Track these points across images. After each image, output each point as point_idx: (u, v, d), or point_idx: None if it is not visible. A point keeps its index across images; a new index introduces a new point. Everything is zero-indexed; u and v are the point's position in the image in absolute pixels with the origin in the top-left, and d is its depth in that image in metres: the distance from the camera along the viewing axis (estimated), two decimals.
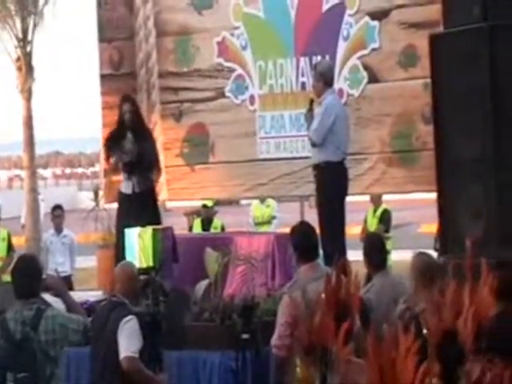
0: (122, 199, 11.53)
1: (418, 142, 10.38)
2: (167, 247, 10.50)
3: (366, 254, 8.19)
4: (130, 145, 11.03)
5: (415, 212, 16.23)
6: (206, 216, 15.82)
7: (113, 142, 11.35)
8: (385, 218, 14.37)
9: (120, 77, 13.27)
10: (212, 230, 15.30)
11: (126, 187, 11.27)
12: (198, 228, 15.84)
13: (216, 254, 10.08)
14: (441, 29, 8.49)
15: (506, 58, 7.59)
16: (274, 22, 11.89)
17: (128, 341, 7.27)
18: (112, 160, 11.28)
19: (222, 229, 15.68)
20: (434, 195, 8.36)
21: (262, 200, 16.49)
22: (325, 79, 10.13)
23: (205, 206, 15.74)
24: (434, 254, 7.98)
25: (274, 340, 7.31)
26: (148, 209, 11.37)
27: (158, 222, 11.36)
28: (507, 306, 6.12)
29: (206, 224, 15.63)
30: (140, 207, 11.22)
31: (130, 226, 10.47)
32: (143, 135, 11.40)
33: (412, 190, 11.30)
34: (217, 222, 16.06)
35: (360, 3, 11.08)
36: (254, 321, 8.10)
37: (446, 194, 8.07)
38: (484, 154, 7.71)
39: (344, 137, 9.97)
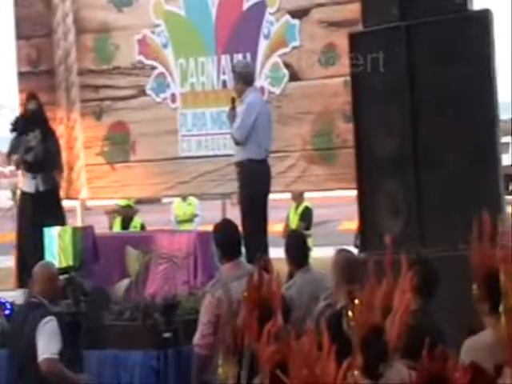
0: (25, 198, 11.45)
1: (338, 139, 10.47)
2: (87, 246, 10.46)
3: (288, 252, 8.23)
4: (36, 143, 10.93)
5: (336, 209, 16.39)
6: (126, 215, 15.73)
7: (16, 140, 11.22)
8: (306, 216, 14.47)
9: (38, 74, 13.08)
10: (132, 229, 15.23)
11: (29, 186, 11.19)
12: (117, 227, 15.78)
13: (137, 253, 10.06)
14: (360, 27, 8.58)
15: (423, 57, 7.72)
16: (195, 20, 11.89)
17: (47, 342, 7.15)
18: (14, 158, 11.16)
19: (142, 227, 15.65)
20: (354, 192, 8.46)
21: (184, 198, 16.47)
22: (244, 79, 10.21)
23: (123, 206, 15.65)
24: (355, 251, 8.06)
25: (197, 339, 7.26)
26: (52, 208, 11.31)
27: (63, 222, 11.32)
28: (425, 303, 6.26)
29: (126, 223, 15.54)
30: (44, 206, 11.15)
31: (34, 225, 10.41)
32: (48, 134, 11.36)
33: (333, 187, 11.36)
34: (137, 220, 16.00)
35: (280, 2, 11.15)
36: (176, 320, 8.09)
37: (366, 192, 8.19)
38: (402, 151, 7.87)
39: (266, 135, 10.03)
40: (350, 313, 4.93)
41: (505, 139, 10.05)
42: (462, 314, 5.45)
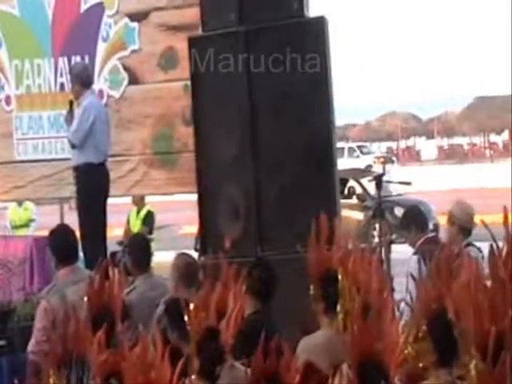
0: None
1: (178, 143, 10.47)
2: None
3: (131, 256, 8.21)
4: None
5: (177, 213, 16.40)
6: None
7: None
8: (149, 220, 14.48)
9: None
10: None
11: None
12: None
13: None
14: (200, 32, 8.64)
15: (261, 62, 7.82)
16: (30, 21, 11.66)
17: None
18: None
19: None
20: (194, 196, 8.51)
21: (20, 203, 16.16)
22: (81, 81, 10.11)
23: None
24: (195, 255, 8.12)
25: (31, 346, 7.14)
26: None
27: None
28: (263, 304, 6.36)
29: None
30: None
31: None
32: None
33: (173, 191, 11.39)
34: None
35: (119, 4, 11.09)
36: (11, 326, 7.98)
37: (206, 195, 8.26)
38: (242, 155, 7.95)
39: (104, 138, 9.96)
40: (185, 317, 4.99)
41: (340, 144, 10.34)
42: (300, 315, 5.55)
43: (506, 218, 5.06)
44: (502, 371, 3.44)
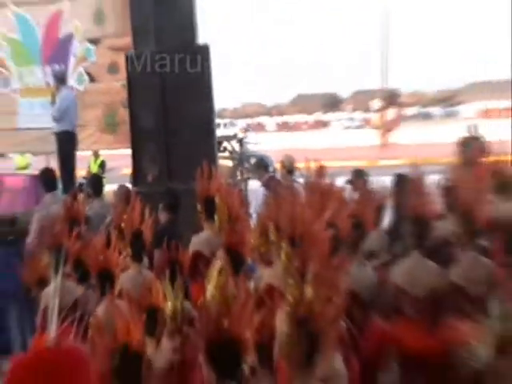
0: None
1: (119, 118, 10.19)
2: None
3: (90, 186, 8.27)
4: None
5: (119, 161, 15.68)
6: None
7: None
8: (102, 165, 13.85)
9: None
10: None
11: None
12: None
13: None
14: (132, 51, 8.48)
15: (167, 66, 7.89)
16: (27, 43, 10.94)
17: None
18: None
19: None
20: (129, 150, 8.38)
21: (22, 154, 15.45)
22: (60, 80, 9.74)
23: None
24: (130, 186, 8.05)
25: (29, 240, 7.07)
26: None
27: None
28: (172, 216, 6.32)
29: None
30: None
31: None
32: None
33: (116, 147, 10.72)
34: None
35: (83, 33, 10.51)
36: (16, 228, 7.73)
37: (136, 149, 8.13)
38: (157, 125, 7.87)
39: (74, 115, 9.61)
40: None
41: (218, 120, 10.50)
42: (194, 223, 5.58)
43: (307, 163, 5.28)
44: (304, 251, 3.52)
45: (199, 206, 5.20)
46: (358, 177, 6.17)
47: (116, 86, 9.80)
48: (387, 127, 24.92)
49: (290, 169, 8.45)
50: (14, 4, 10.62)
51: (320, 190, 4.74)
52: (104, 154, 13.44)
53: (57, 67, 10.25)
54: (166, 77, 7.84)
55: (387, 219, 5.63)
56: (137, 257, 4.64)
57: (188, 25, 8.04)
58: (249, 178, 11.88)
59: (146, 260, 4.75)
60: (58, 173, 8.41)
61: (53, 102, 9.55)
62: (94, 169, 13.92)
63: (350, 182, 6.14)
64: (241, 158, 13.51)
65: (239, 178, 12.27)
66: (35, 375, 2.36)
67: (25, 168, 14.53)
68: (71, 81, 10.27)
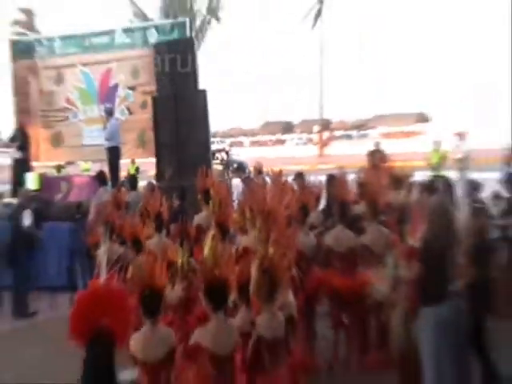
0: None
1: (147, 138, 9.52)
2: None
3: (129, 183, 7.62)
4: None
5: (148, 166, 15.29)
6: None
7: None
8: (137, 169, 13.32)
9: None
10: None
11: None
12: None
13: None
14: (155, 94, 8.24)
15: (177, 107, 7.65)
16: (88, 89, 10.32)
17: None
18: None
19: None
20: (154, 159, 8.09)
21: (85, 161, 14.61)
22: (109, 113, 9.11)
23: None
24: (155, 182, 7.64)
25: (89, 218, 6.59)
26: None
27: None
28: (181, 202, 6.09)
29: None
30: None
31: None
32: None
33: (146, 156, 10.02)
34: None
35: (125, 83, 9.87)
36: (80, 210, 7.20)
37: (158, 158, 7.87)
38: (172, 143, 7.61)
39: (118, 136, 8.93)
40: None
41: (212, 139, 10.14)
42: (196, 207, 5.29)
43: (271, 168, 5.18)
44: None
45: (199, 196, 5.08)
46: (299, 177, 6.06)
47: (145, 117, 9.40)
48: (323, 144, 24.84)
49: (259, 171, 8.27)
50: (81, 65, 10.23)
51: (279, 184, 4.69)
52: (138, 161, 13.07)
53: (107, 105, 9.81)
54: (178, 114, 7.62)
55: (323, 203, 5.58)
56: (158, 229, 4.55)
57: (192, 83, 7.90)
58: (232, 177, 11.73)
59: (164, 231, 4.65)
60: (108, 174, 8.14)
61: (105, 128, 9.18)
62: (132, 171, 13.53)
63: (294, 179, 6.05)
64: (227, 164, 13.34)
65: (226, 177, 12.11)
66: (92, 303, 2.42)
67: (87, 171, 14.11)
68: (117, 114, 9.84)
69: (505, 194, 6.29)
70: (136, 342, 2.67)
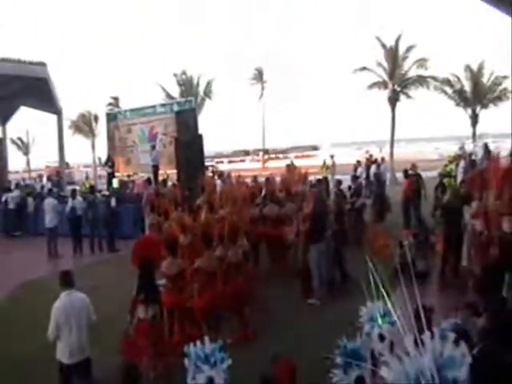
0: None
1: (170, 158, 8.33)
2: None
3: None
4: None
5: (172, 176, 13.78)
6: None
7: None
8: (164, 178, 12.17)
9: None
10: None
11: None
12: None
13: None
14: (176, 136, 8.02)
15: (182, 140, 7.09)
16: (141, 135, 9.53)
17: None
18: None
19: None
20: (175, 171, 7.46)
21: (137, 173, 10.43)
22: (152, 147, 8.42)
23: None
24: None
25: (142, 202, 5.71)
26: None
27: None
28: (189, 194, 5.21)
29: None
30: None
31: None
32: None
33: (170, 169, 8.40)
34: None
35: (166, 132, 9.13)
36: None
37: (179, 171, 7.04)
38: (182, 162, 6.75)
39: (158, 158, 8.17)
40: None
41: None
42: (197, 196, 4.83)
43: (235, 176, 4.85)
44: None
45: (198, 189, 5.02)
46: (253, 180, 5.87)
47: (171, 149, 8.49)
48: (264, 161, 24.42)
49: (221, 175, 7.90)
50: (140, 123, 9.72)
51: (239, 183, 4.60)
52: (168, 172, 12.03)
53: (152, 143, 8.99)
54: (187, 147, 7.12)
55: (263, 192, 5.11)
56: (176, 207, 4.36)
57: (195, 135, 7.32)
58: (216, 179, 11.12)
59: (179, 208, 4.46)
60: (152, 179, 7.70)
61: (150, 155, 8.55)
62: (164, 177, 12.70)
63: (252, 181, 5.81)
64: (213, 173, 12.83)
65: (213, 179, 11.34)
66: (143, 245, 2.45)
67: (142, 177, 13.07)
68: (157, 147, 9.02)
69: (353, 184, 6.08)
70: (164, 265, 2.69)
